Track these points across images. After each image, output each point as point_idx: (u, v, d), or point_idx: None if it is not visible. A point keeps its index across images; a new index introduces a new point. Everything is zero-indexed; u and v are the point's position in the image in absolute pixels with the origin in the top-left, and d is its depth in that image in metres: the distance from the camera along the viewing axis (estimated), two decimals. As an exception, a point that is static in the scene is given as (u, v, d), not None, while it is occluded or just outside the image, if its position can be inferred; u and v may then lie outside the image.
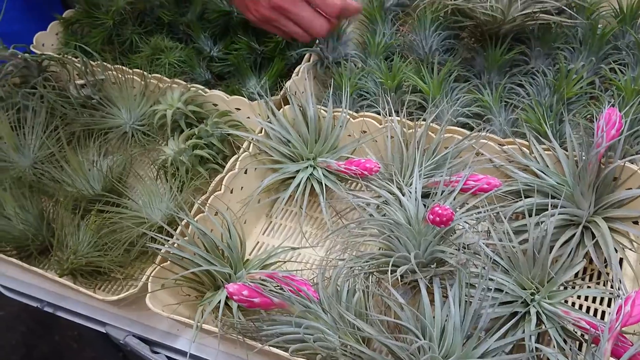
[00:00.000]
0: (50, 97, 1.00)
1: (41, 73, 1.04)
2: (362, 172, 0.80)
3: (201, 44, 1.09)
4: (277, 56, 1.03)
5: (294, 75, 0.97)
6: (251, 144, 0.90)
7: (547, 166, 0.80)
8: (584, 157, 0.75)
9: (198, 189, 0.89)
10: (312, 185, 0.88)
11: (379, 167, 0.80)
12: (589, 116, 0.87)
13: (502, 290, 0.66)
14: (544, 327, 0.65)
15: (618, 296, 0.65)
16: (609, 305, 0.77)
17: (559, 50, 0.95)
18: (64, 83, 1.05)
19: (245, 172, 0.89)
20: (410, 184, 0.76)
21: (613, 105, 0.78)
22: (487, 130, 0.85)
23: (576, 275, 0.78)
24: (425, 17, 0.99)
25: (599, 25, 0.97)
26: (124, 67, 1.04)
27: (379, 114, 0.88)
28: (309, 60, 1.01)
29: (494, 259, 0.70)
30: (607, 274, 0.75)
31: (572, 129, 0.80)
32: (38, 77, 1.03)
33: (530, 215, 0.72)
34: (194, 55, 1.08)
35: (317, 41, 0.99)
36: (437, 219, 0.63)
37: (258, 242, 0.91)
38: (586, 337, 0.63)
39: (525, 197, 0.76)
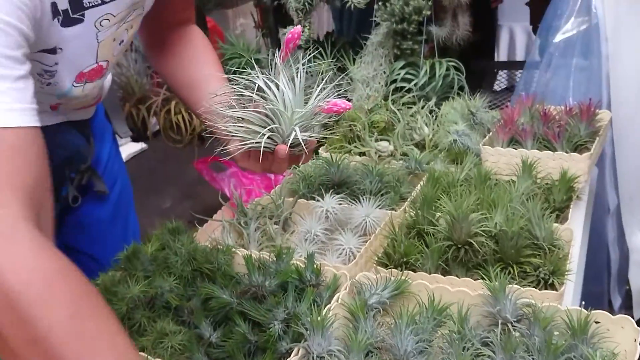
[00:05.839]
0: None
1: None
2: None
3: (202, 330, 1.22)
4: (270, 347, 1.15)
5: (282, 371, 1.08)
6: None
7: None
8: None
9: None
10: None
11: None
12: None
13: None
14: None
15: None
16: None
17: (520, 358, 1.07)
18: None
19: None
20: None
21: None
22: None
23: None
24: (402, 318, 1.13)
25: (555, 334, 1.10)
26: (130, 350, 1.15)
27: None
28: (297, 354, 1.12)
29: None
30: None
31: None
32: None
33: None
34: (194, 340, 1.20)
35: (304, 338, 1.11)
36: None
37: None
38: None
39: None
